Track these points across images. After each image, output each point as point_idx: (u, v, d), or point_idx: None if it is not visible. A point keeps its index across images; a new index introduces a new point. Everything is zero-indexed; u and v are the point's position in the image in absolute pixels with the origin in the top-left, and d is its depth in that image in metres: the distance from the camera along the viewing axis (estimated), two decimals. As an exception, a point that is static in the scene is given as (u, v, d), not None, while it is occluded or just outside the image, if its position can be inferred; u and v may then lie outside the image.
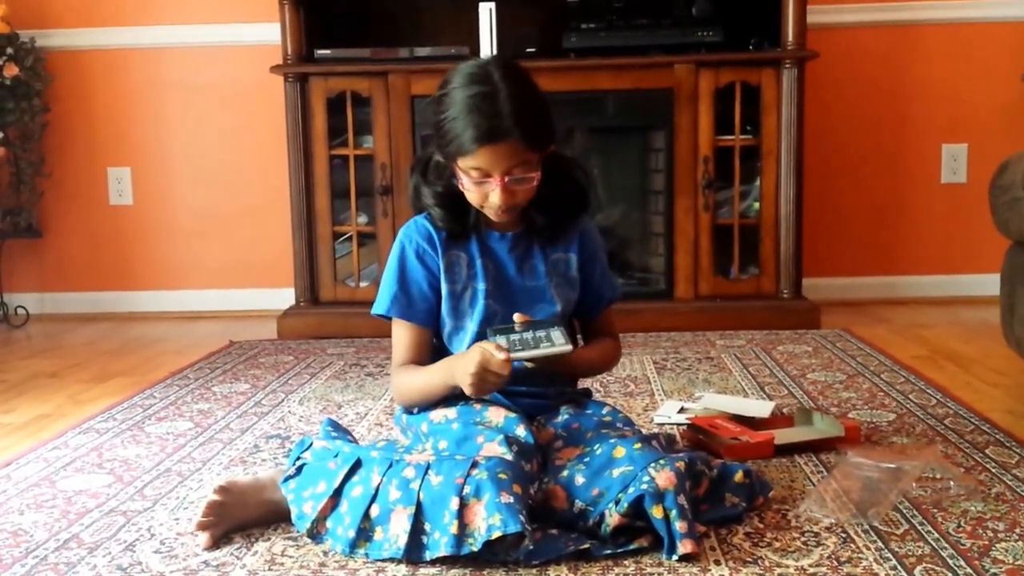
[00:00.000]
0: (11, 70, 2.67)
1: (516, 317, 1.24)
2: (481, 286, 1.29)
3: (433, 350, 1.33)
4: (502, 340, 1.19)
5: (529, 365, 1.21)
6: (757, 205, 2.53)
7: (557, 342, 1.18)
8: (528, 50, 2.50)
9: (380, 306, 1.32)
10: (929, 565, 1.08)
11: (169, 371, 2.15)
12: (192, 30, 2.88)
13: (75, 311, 2.97)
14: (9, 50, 2.68)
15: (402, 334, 1.32)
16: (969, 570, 1.07)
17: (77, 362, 2.33)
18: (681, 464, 1.15)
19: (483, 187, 1.22)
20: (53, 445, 1.61)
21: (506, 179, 1.21)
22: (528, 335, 1.20)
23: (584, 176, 1.34)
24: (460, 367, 1.21)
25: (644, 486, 1.10)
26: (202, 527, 1.17)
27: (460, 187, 1.24)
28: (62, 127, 2.92)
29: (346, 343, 2.42)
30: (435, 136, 1.25)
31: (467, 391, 1.20)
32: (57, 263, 2.99)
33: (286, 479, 1.21)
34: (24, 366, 2.31)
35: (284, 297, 2.66)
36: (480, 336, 1.28)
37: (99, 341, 2.60)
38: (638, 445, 1.18)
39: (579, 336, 1.41)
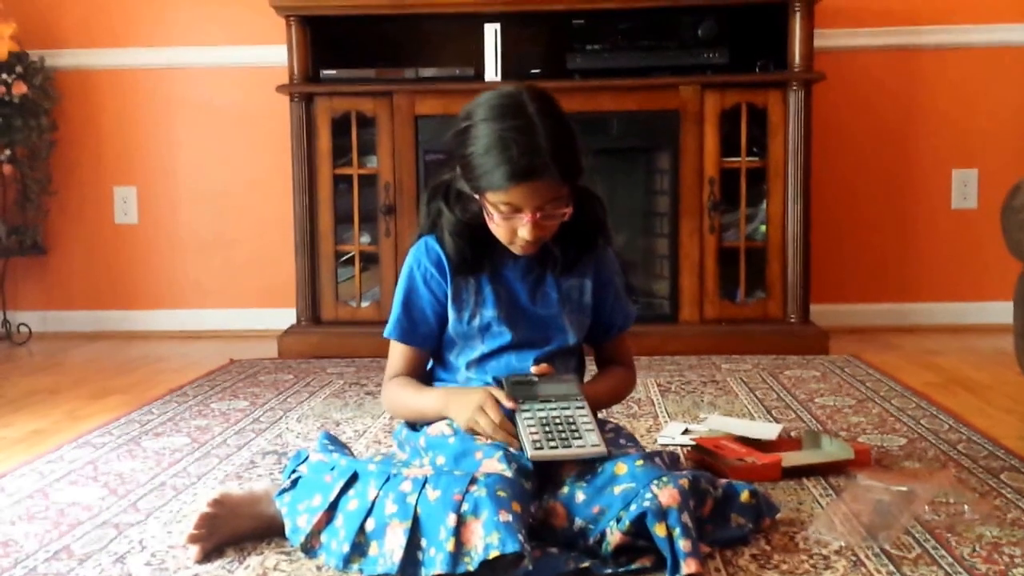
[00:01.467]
0: (19, 88, 2.69)
1: (534, 369, 1.21)
2: (490, 313, 1.27)
3: (426, 364, 1.34)
4: (531, 421, 1.15)
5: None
6: (764, 228, 2.51)
7: (589, 443, 1.14)
8: (533, 71, 2.51)
9: (386, 329, 1.32)
10: (943, 589, 1.05)
11: (168, 388, 2.13)
12: (200, 51, 2.90)
13: (78, 329, 2.96)
14: (18, 68, 2.70)
15: (399, 352, 1.32)
16: (985, 595, 1.03)
17: (77, 379, 2.32)
18: (685, 481, 1.11)
19: (512, 222, 1.19)
20: (48, 458, 1.59)
21: (538, 215, 1.18)
22: (557, 413, 1.16)
23: (603, 210, 1.31)
24: (456, 408, 1.20)
25: (647, 503, 1.07)
26: (194, 539, 1.14)
27: (487, 220, 1.21)
28: (69, 146, 2.93)
29: (346, 363, 2.40)
30: (460, 167, 1.21)
31: (460, 424, 1.20)
32: (61, 281, 2.98)
33: (281, 492, 1.19)
34: (24, 383, 2.30)
35: (287, 318, 2.64)
36: (487, 357, 1.27)
37: (100, 359, 2.59)
38: (640, 462, 1.14)
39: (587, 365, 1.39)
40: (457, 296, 1.27)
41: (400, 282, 1.31)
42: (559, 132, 1.17)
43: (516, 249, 1.23)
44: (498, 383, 1.22)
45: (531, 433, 1.14)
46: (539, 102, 1.18)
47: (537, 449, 1.13)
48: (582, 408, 1.18)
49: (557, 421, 1.16)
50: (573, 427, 1.16)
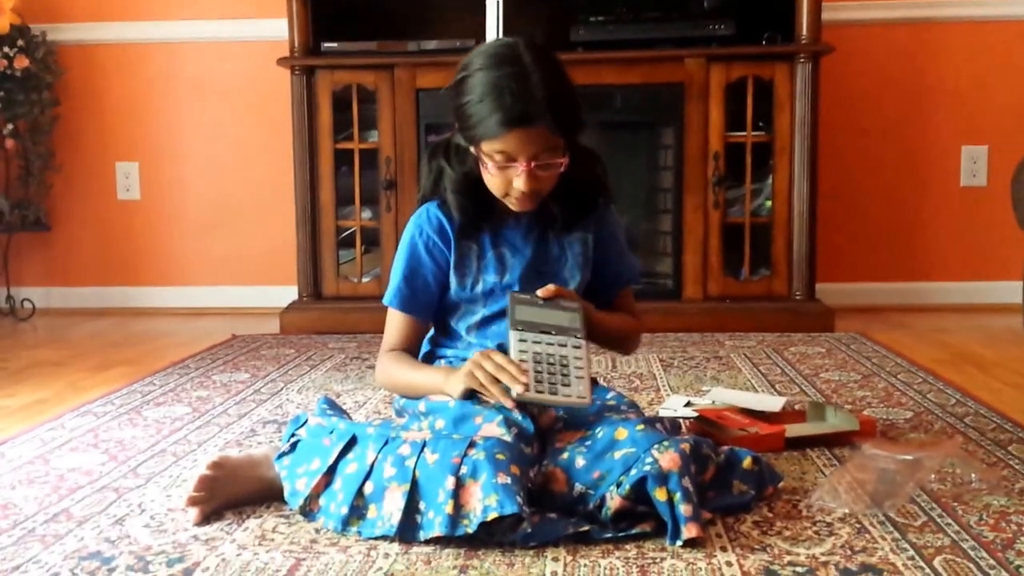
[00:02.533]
0: (21, 62, 2.67)
1: (540, 292, 1.19)
2: (492, 278, 1.26)
3: (424, 334, 1.33)
4: (525, 355, 1.12)
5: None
6: (769, 203, 2.48)
7: (575, 393, 1.12)
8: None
9: (386, 296, 1.31)
10: (949, 556, 1.03)
11: (171, 361, 2.13)
12: (202, 25, 2.88)
13: (82, 306, 2.96)
14: (20, 42, 2.69)
15: (398, 321, 1.30)
16: (992, 562, 1.02)
17: (80, 353, 2.31)
18: (686, 446, 1.10)
19: (507, 172, 1.17)
20: (50, 426, 1.59)
21: (532, 164, 1.16)
22: (552, 349, 1.14)
23: (603, 171, 1.29)
24: (453, 381, 1.19)
25: (647, 467, 1.06)
26: (193, 502, 1.13)
27: (482, 171, 1.20)
28: (72, 121, 2.92)
29: (348, 338, 2.39)
30: (456, 119, 1.20)
31: (456, 388, 1.18)
32: (65, 257, 2.98)
33: (280, 456, 1.18)
34: (27, 356, 2.30)
35: (289, 294, 2.63)
36: (488, 321, 1.26)
37: (103, 334, 2.59)
38: (641, 427, 1.13)
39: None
40: (460, 263, 1.26)
41: (401, 250, 1.30)
42: (554, 81, 1.16)
43: (512, 203, 1.21)
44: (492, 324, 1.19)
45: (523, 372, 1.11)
46: (535, 52, 1.17)
47: (524, 391, 1.11)
48: (578, 348, 1.15)
49: (551, 360, 1.13)
50: (565, 370, 1.14)
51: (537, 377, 1.12)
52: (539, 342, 1.14)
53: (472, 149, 1.20)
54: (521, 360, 1.13)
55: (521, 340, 1.14)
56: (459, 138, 1.21)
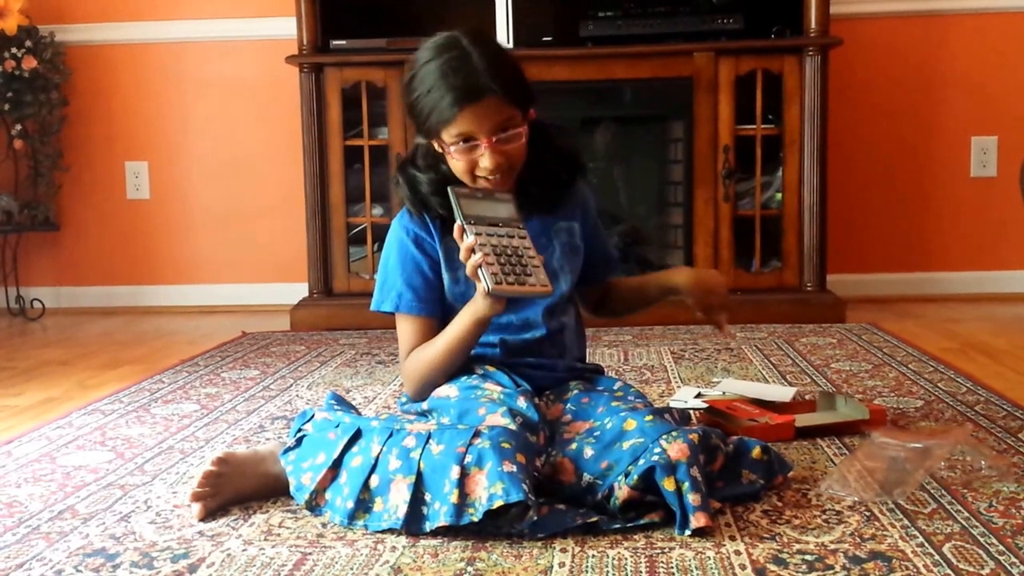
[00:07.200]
0: (29, 62, 2.69)
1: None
2: None
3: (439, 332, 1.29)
4: (485, 248, 1.11)
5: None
6: (780, 196, 2.47)
7: (539, 282, 1.12)
8: (544, 39, 2.47)
9: (386, 303, 1.27)
10: (959, 543, 1.02)
11: (180, 359, 2.13)
12: (210, 25, 2.89)
13: (91, 305, 2.97)
14: (28, 43, 2.70)
15: (411, 327, 1.26)
16: (1002, 548, 1.01)
17: (89, 352, 2.32)
18: (695, 436, 1.09)
19: (471, 154, 1.18)
20: (57, 424, 1.59)
21: (493, 139, 1.17)
22: (505, 241, 1.13)
23: (571, 139, 1.30)
24: (469, 303, 1.16)
25: (655, 458, 1.05)
26: (197, 497, 1.13)
27: (448, 161, 1.20)
28: (81, 121, 2.93)
29: (358, 334, 2.39)
30: (412, 117, 1.21)
31: (482, 302, 1.15)
32: (74, 257, 2.99)
33: (286, 451, 1.18)
34: (36, 355, 2.31)
35: (300, 292, 2.63)
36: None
37: (113, 333, 2.60)
38: (649, 417, 1.13)
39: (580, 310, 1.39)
40: (448, 257, 1.25)
41: (390, 253, 1.28)
42: (494, 57, 1.18)
43: (483, 184, 1.21)
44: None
45: (488, 264, 1.11)
46: (472, 36, 1.20)
47: (497, 284, 1.10)
48: (524, 239, 1.15)
49: (507, 251, 1.13)
50: (521, 260, 1.13)
51: (504, 270, 1.11)
52: (491, 235, 1.13)
53: (435, 144, 1.20)
54: (484, 254, 1.11)
55: (478, 234, 1.12)
56: (420, 140, 1.22)
